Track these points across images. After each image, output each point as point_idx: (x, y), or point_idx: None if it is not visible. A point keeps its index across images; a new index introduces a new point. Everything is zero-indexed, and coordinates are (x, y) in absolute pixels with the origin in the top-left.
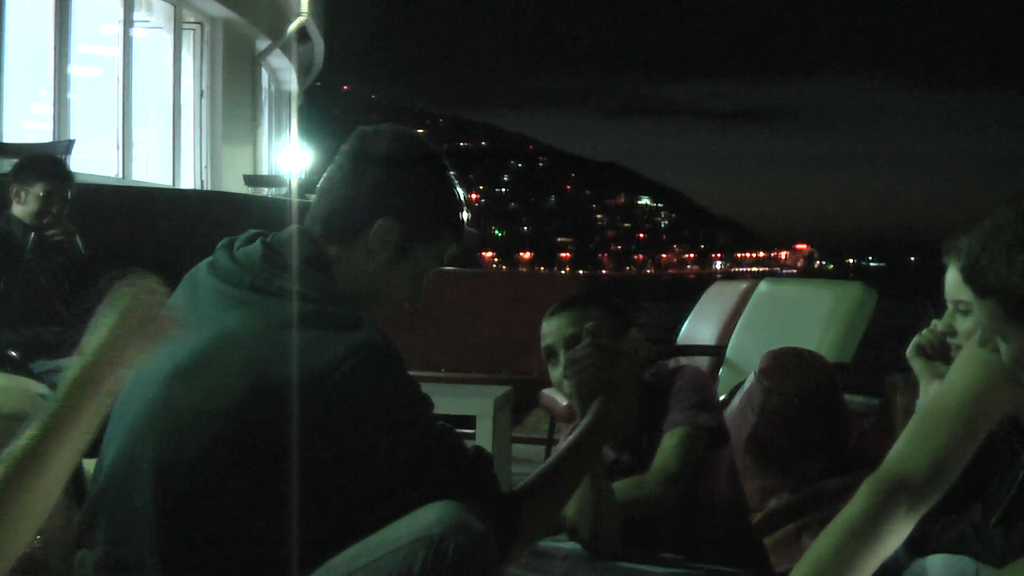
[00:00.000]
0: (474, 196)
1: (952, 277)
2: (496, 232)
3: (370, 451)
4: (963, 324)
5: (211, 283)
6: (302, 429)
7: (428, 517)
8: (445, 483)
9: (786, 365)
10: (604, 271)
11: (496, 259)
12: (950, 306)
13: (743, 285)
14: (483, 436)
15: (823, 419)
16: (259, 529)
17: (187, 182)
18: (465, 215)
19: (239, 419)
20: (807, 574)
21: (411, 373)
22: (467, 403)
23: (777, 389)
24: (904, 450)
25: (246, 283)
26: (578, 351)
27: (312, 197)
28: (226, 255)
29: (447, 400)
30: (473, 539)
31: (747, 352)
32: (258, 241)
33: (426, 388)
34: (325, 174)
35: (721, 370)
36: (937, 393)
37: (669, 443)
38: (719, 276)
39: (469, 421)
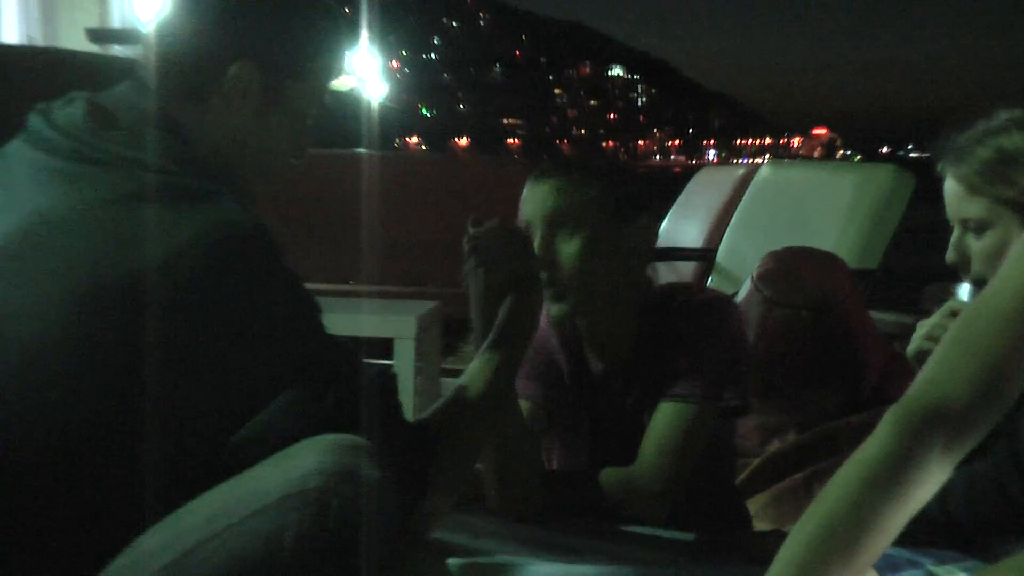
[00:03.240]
0: (394, 64)
1: (953, 189)
2: (423, 111)
3: (231, 364)
4: (977, 244)
5: (25, 155)
6: (145, 334)
7: (303, 463)
8: (331, 412)
9: (792, 269)
10: None
11: (423, 146)
12: (956, 227)
13: (739, 171)
14: (402, 366)
15: (840, 339)
16: (95, 465)
17: (9, 36)
18: (345, 40)
19: (62, 324)
20: (813, 536)
21: (309, 286)
22: (381, 322)
23: (781, 300)
24: (938, 370)
25: (68, 151)
26: (483, 235)
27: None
28: (42, 121)
29: (355, 319)
30: (362, 493)
31: (743, 255)
32: (80, 100)
33: (328, 305)
34: (156, 15)
35: (710, 279)
36: (981, 297)
37: (671, 426)
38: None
39: (383, 347)
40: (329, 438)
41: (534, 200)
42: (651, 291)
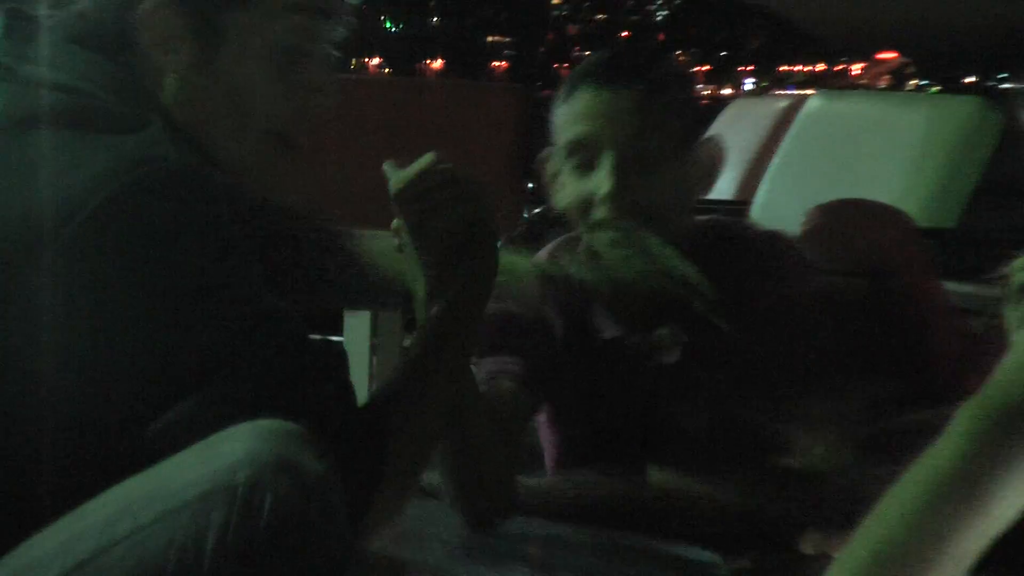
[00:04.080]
0: None
1: None
2: (387, 25)
3: (142, 332)
4: None
5: None
6: (38, 287)
7: (229, 452)
8: (265, 395)
9: (845, 225)
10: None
11: (385, 69)
12: None
13: (781, 103)
14: (355, 343)
15: (902, 315)
16: None
17: None
18: None
19: None
20: (866, 564)
21: None
22: None
23: (829, 264)
24: None
25: None
26: (416, 176)
27: None
28: None
29: None
30: (303, 488)
31: (784, 209)
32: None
33: None
34: None
35: None
36: None
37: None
38: None
39: (331, 319)
40: (261, 424)
41: (598, 115)
42: (693, 227)
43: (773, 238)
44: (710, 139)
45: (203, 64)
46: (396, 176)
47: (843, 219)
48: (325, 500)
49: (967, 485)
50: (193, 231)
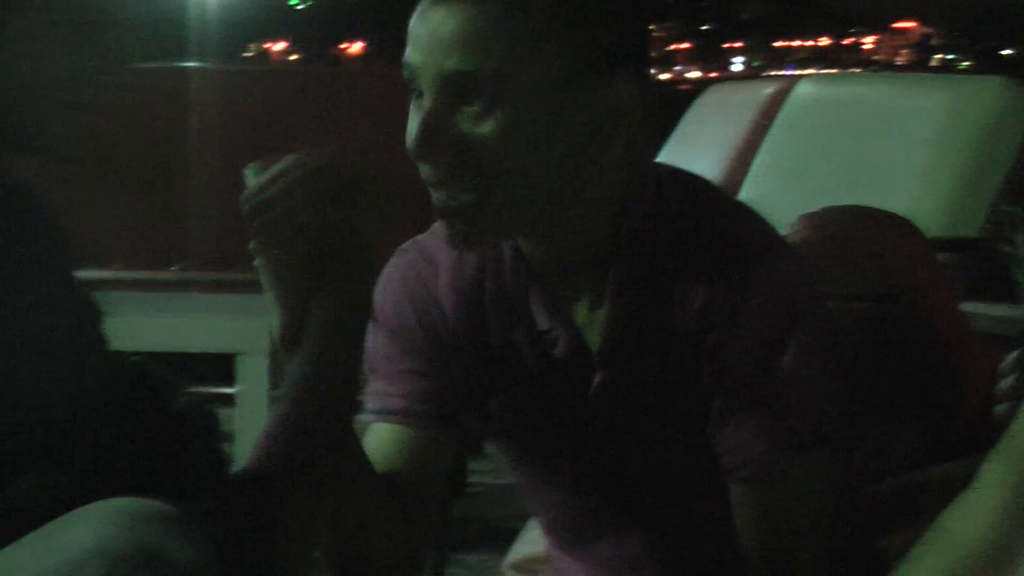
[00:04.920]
0: None
1: None
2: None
3: None
4: None
5: None
6: None
7: (77, 541)
8: (116, 467)
9: (840, 238)
10: None
11: (292, 55)
12: None
13: (766, 89)
14: (250, 395)
15: (915, 346)
16: None
17: None
18: None
19: None
20: None
21: (103, 274)
22: (220, 330)
23: (824, 286)
24: None
25: None
26: (270, 183)
27: None
28: None
29: (179, 325)
30: None
31: (770, 213)
32: None
33: (134, 300)
34: None
35: None
36: None
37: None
38: None
39: (222, 367)
40: (114, 504)
41: (424, 35)
42: (638, 195)
43: (766, 255)
44: (618, 82)
45: None
46: (253, 184)
47: (838, 230)
48: None
49: (1002, 551)
50: (22, 258)
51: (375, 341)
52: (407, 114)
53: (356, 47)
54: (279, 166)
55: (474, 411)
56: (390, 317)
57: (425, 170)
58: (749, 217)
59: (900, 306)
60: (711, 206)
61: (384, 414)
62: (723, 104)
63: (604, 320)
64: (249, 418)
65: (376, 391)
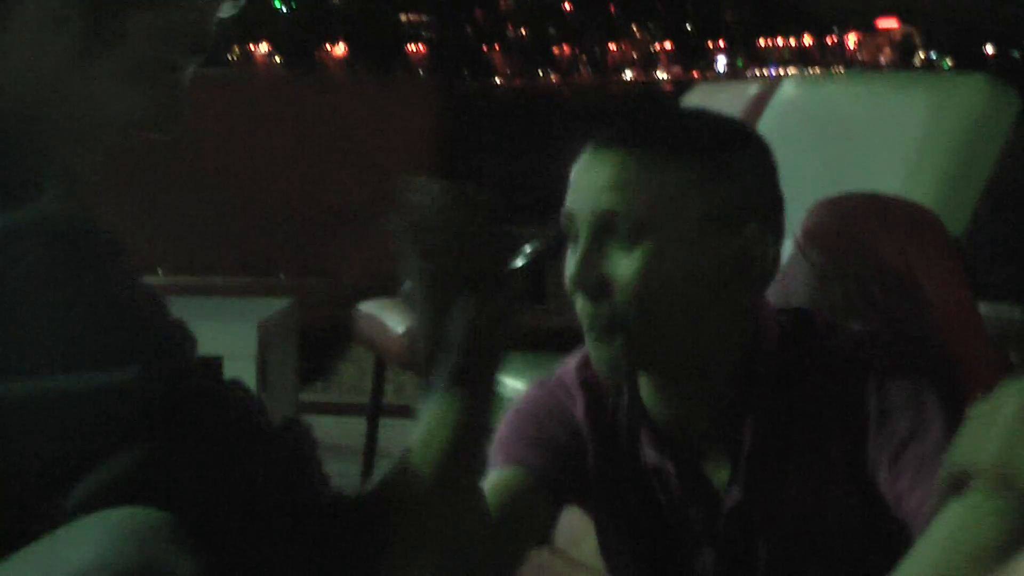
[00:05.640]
0: None
1: None
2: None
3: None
4: None
5: None
6: None
7: (77, 558)
8: (148, 471)
9: (856, 224)
10: (496, 79)
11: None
12: None
13: (750, 89)
14: None
15: (928, 334)
16: None
17: None
18: None
19: None
20: None
21: None
22: (205, 333)
23: (839, 269)
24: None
25: None
26: (422, 211)
27: None
28: None
29: None
30: None
31: None
32: None
33: None
34: None
35: None
36: None
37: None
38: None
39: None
40: (115, 516)
41: (583, 183)
42: (767, 336)
43: (884, 346)
44: (750, 228)
45: (81, 60)
46: (411, 200)
47: (854, 216)
48: None
49: (1002, 547)
50: (115, 297)
51: (510, 435)
52: (391, 123)
53: (339, 50)
54: (434, 189)
55: (589, 510)
56: (530, 429)
57: (579, 302)
58: (856, 331)
59: (915, 291)
60: (823, 332)
61: (507, 462)
62: (707, 104)
63: (746, 453)
64: None
65: (503, 451)
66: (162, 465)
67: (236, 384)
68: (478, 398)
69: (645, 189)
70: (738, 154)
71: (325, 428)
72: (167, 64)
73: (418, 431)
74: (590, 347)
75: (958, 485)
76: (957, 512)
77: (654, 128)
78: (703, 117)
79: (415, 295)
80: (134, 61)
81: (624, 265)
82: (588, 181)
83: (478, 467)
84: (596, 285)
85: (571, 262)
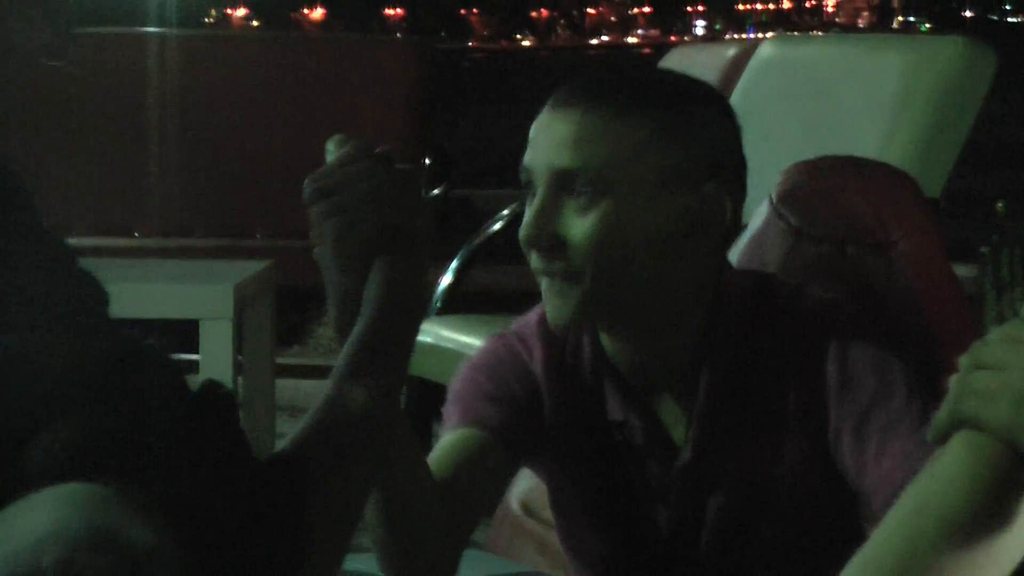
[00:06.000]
0: None
1: None
2: None
3: None
4: None
5: None
6: None
7: (32, 527)
8: (98, 443)
9: (832, 185)
10: (470, 43)
11: (253, 20)
12: None
13: (729, 51)
14: (214, 362)
15: (903, 294)
16: None
17: None
18: None
19: None
20: None
21: (74, 241)
22: (181, 295)
23: (815, 230)
24: None
25: None
26: (336, 169)
27: None
28: None
29: (142, 292)
30: (130, 567)
31: None
32: None
33: (94, 268)
34: None
35: None
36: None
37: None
38: None
39: (185, 333)
40: (71, 488)
41: (541, 140)
42: (729, 295)
43: (838, 308)
44: (708, 187)
45: None
46: (333, 160)
47: (829, 178)
48: None
49: (976, 510)
50: (26, 244)
51: (465, 389)
52: (368, 83)
53: (317, 13)
54: (346, 151)
55: (542, 467)
56: (486, 383)
57: (533, 259)
58: (821, 296)
59: (891, 252)
60: (786, 296)
61: (463, 420)
62: (685, 66)
63: (697, 411)
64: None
65: (459, 407)
66: (89, 433)
67: (151, 346)
68: (376, 388)
69: (602, 146)
70: (697, 112)
71: (303, 391)
72: None
73: (332, 380)
74: (545, 299)
75: (944, 438)
76: (947, 462)
77: (612, 85)
78: (662, 75)
79: (323, 257)
80: None
81: (580, 223)
82: (546, 138)
83: (392, 412)
84: (550, 242)
85: (527, 218)
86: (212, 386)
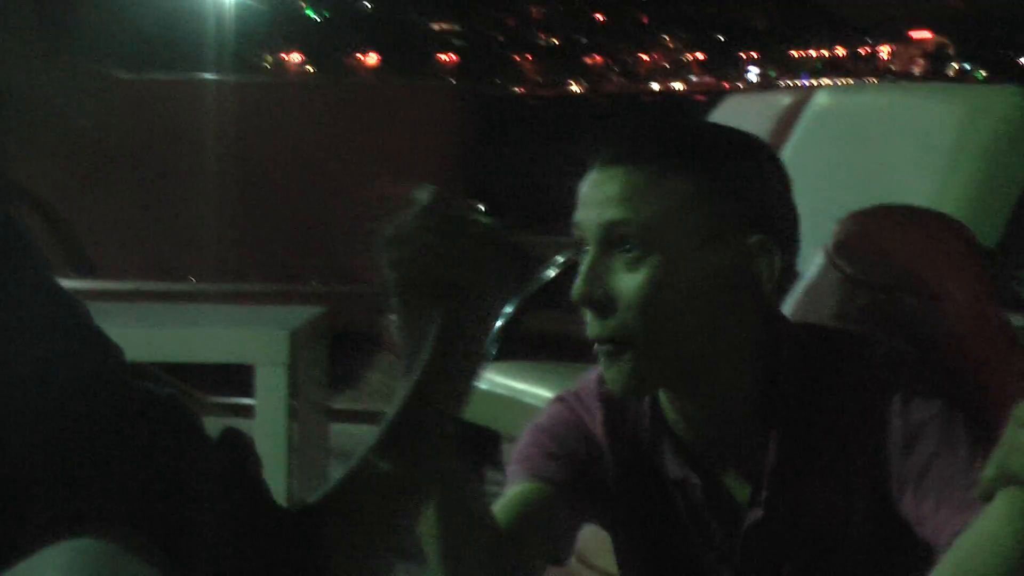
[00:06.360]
0: None
1: None
2: (307, 12)
3: None
4: None
5: None
6: None
7: None
8: (105, 500)
9: (887, 234)
10: (521, 88)
11: (308, 66)
12: None
13: (783, 99)
14: (268, 407)
15: (959, 348)
16: None
17: None
18: None
19: None
20: None
21: (119, 286)
22: (236, 340)
23: (870, 278)
24: None
25: None
26: (402, 225)
27: None
28: None
29: (196, 336)
30: None
31: None
32: None
33: (151, 312)
34: None
35: None
36: None
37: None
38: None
39: (239, 378)
40: (75, 546)
41: (590, 198)
42: (786, 349)
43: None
44: (754, 239)
45: None
46: (416, 207)
47: (884, 227)
48: None
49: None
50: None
51: (530, 448)
52: (420, 128)
53: (371, 59)
54: (423, 204)
55: (606, 523)
56: (549, 443)
57: (588, 321)
58: (883, 346)
59: (946, 302)
60: (849, 347)
61: (529, 475)
62: (740, 115)
63: (769, 469)
64: (268, 429)
65: (524, 464)
66: (102, 483)
67: (171, 396)
68: (435, 397)
69: (649, 202)
70: (743, 165)
71: (355, 436)
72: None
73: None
74: (601, 364)
75: (992, 494)
76: (993, 518)
77: (658, 142)
78: (707, 129)
79: (392, 307)
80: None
81: (630, 279)
82: (595, 196)
83: (436, 458)
84: (602, 299)
85: (579, 275)
86: (230, 435)
